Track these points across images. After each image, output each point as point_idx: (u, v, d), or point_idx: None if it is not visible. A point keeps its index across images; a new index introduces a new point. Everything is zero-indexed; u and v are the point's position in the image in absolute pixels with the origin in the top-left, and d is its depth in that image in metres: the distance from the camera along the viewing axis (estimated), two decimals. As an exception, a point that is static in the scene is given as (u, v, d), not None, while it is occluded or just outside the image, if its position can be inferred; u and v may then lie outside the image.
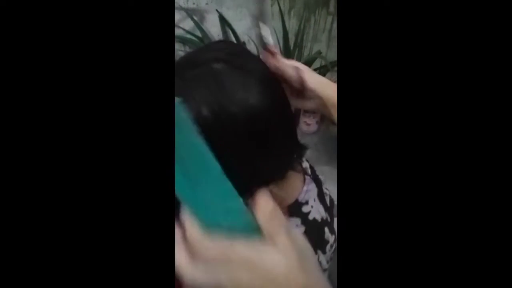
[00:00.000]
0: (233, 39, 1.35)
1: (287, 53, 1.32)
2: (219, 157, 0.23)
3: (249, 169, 0.31)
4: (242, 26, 1.38)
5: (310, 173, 0.46)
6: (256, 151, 0.30)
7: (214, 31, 1.42)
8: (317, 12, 1.35)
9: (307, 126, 1.49)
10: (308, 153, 0.43)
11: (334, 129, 1.48)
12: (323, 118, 1.50)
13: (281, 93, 0.33)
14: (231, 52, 0.32)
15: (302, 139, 0.38)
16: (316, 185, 0.45)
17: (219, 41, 0.39)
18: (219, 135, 0.28)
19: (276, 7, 1.30)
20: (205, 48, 0.34)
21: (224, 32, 1.39)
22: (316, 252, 0.41)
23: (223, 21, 1.37)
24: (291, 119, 0.35)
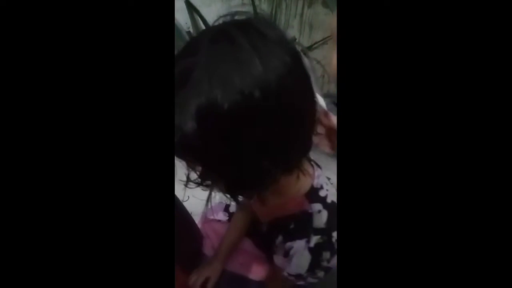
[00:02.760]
0: (203, 27, 1.28)
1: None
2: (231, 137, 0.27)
3: (263, 158, 0.30)
4: (212, 13, 1.31)
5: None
6: (274, 138, 0.30)
7: (181, 18, 1.34)
8: (287, -3, 1.32)
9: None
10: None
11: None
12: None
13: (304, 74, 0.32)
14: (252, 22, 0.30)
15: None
16: (322, 171, 0.46)
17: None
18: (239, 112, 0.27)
19: (246, -8, 1.25)
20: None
21: (193, 19, 1.31)
22: None
23: (190, 7, 1.29)
24: (312, 115, 0.34)
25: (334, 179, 0.45)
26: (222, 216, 0.77)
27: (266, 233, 0.49)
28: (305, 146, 0.35)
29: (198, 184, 0.35)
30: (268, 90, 0.27)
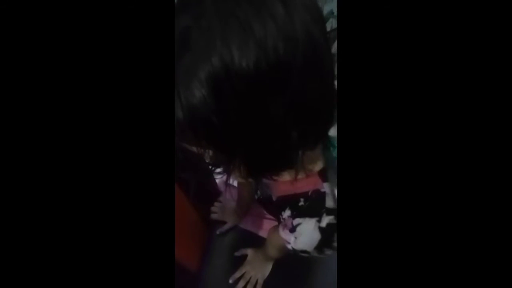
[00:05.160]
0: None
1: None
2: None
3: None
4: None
5: None
6: (302, 104, 0.25)
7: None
8: (330, -30, 1.27)
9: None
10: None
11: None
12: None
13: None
14: None
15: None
16: None
17: None
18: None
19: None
20: None
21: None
22: None
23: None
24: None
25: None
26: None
27: (275, 203, 0.48)
28: (333, 114, 0.30)
29: (212, 169, 0.31)
30: (294, 42, 0.22)
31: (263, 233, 0.74)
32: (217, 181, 0.82)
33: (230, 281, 0.67)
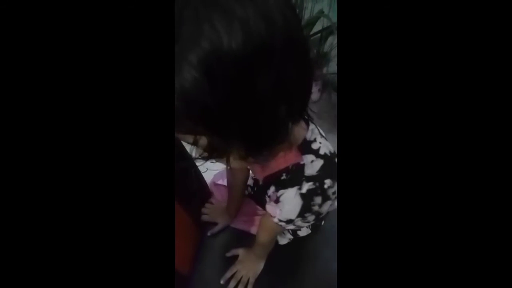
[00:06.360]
0: None
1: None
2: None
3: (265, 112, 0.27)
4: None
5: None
6: (287, 81, 0.26)
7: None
8: (316, -30, 1.28)
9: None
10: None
11: (335, 97, 1.45)
12: (325, 86, 1.47)
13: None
14: None
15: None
16: (316, 126, 0.45)
17: None
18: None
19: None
20: None
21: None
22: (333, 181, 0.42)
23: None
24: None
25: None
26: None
27: (262, 187, 0.50)
28: (310, 90, 0.31)
29: (207, 159, 0.32)
30: (272, 23, 0.23)
31: (254, 230, 0.72)
32: (207, 182, 0.81)
33: (222, 282, 0.65)
